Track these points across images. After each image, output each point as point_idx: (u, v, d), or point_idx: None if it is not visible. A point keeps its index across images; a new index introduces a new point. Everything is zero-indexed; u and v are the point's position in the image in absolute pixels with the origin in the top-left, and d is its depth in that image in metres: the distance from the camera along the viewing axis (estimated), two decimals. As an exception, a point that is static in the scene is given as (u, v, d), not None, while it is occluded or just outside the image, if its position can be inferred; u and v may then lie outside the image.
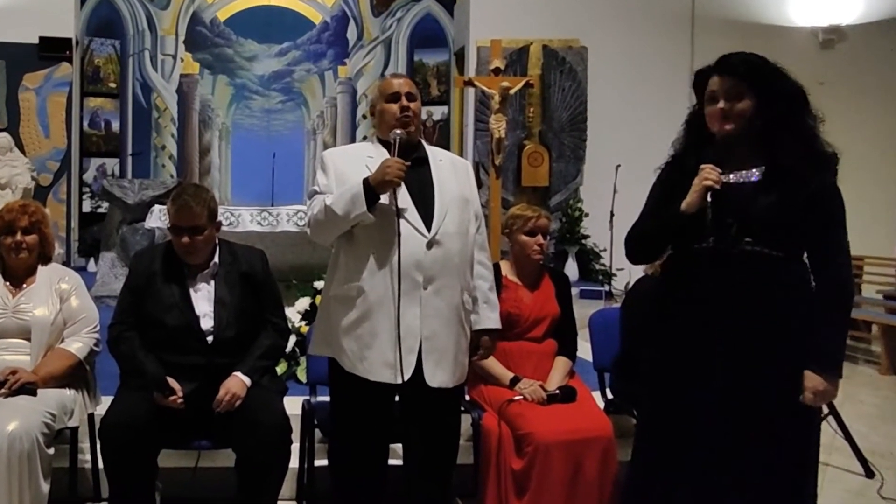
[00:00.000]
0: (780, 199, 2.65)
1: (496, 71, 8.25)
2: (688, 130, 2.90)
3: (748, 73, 2.69)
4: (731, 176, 2.74)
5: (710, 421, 2.69)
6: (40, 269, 3.66)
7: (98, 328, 3.66)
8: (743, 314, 2.67)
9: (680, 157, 2.87)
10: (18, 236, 3.57)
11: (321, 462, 3.52)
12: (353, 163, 3.13)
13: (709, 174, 2.68)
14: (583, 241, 9.91)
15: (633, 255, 2.97)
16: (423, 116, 3.22)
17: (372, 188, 2.91)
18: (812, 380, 2.63)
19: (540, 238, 3.79)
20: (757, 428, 2.66)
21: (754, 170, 2.73)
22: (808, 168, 2.64)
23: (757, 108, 2.68)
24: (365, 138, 3.19)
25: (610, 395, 4.06)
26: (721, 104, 2.70)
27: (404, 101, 3.15)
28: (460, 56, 11.35)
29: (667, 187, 2.86)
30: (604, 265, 9.61)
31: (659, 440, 2.83)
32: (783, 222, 2.65)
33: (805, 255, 2.75)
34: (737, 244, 2.68)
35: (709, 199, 2.67)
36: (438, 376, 3.03)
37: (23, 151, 10.16)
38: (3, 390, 3.28)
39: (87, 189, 11.25)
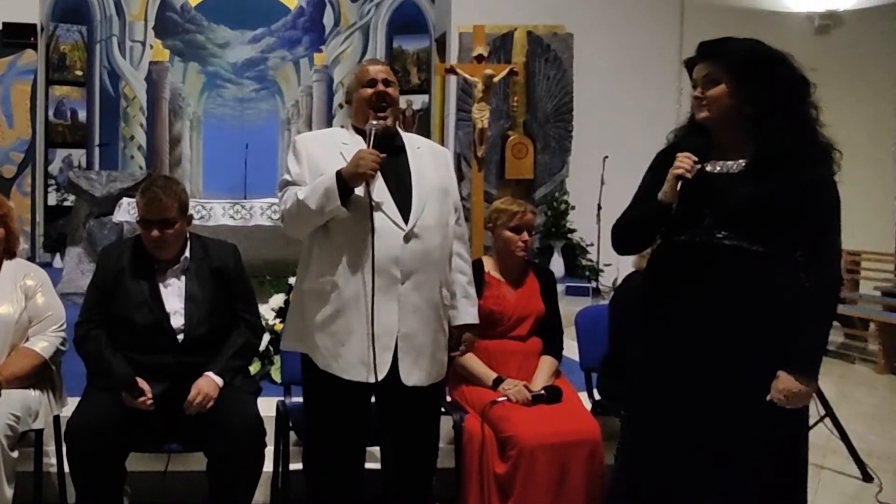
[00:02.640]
0: (760, 191, 2.58)
1: (479, 58, 8.14)
2: (690, 118, 2.84)
3: (723, 57, 2.66)
4: (713, 166, 2.70)
5: (695, 421, 2.65)
6: (5, 264, 3.56)
7: (64, 326, 3.57)
8: (720, 310, 2.63)
9: (674, 145, 2.82)
10: (-18, 231, 3.47)
11: (296, 466, 3.44)
12: (326, 149, 3.03)
13: (681, 162, 2.64)
14: (569, 236, 9.78)
15: (619, 246, 2.94)
16: (403, 105, 3.14)
17: (345, 181, 2.82)
18: (785, 381, 2.58)
19: (525, 235, 3.73)
20: (741, 428, 2.62)
21: (740, 160, 2.68)
22: (800, 159, 2.58)
23: (735, 93, 2.64)
24: (342, 128, 3.13)
25: (597, 396, 4.01)
26: (696, 91, 2.69)
27: (381, 87, 3.06)
28: (441, 42, 11.21)
29: (656, 175, 2.81)
30: (591, 261, 9.49)
31: (644, 439, 2.78)
32: (761, 215, 2.59)
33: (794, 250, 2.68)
34: (711, 237, 2.64)
35: (678, 188, 2.63)
36: (415, 375, 2.95)
37: (-15, 142, 10.00)
38: (-36, 392, 3.19)
39: (53, 181, 11.05)
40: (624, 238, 2.91)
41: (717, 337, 2.62)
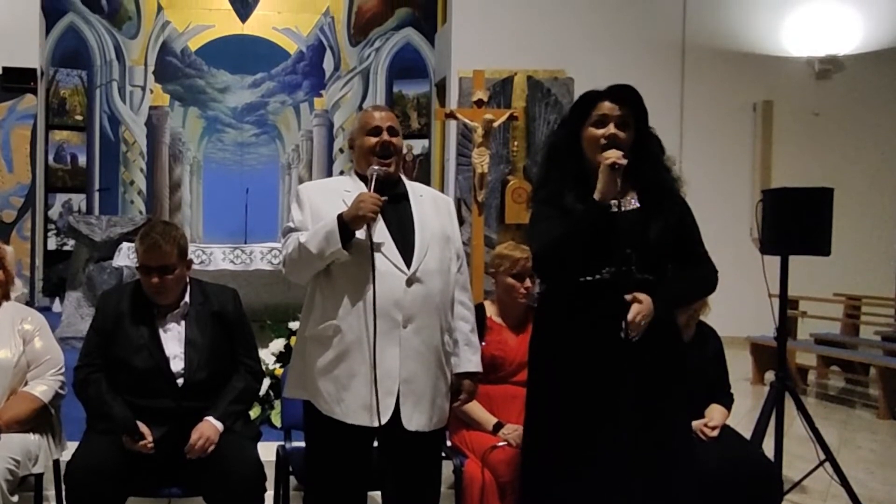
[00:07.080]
0: (665, 226, 2.75)
1: (479, 103, 8.11)
2: (558, 159, 2.92)
3: (638, 108, 2.81)
4: (612, 202, 2.76)
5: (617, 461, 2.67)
6: (1, 308, 3.55)
7: (63, 370, 3.57)
8: (646, 345, 2.70)
9: (556, 192, 2.86)
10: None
11: (296, 510, 3.42)
12: (329, 197, 3.04)
13: (611, 154, 2.69)
14: (570, 280, 9.74)
15: (555, 264, 2.86)
16: (403, 150, 3.15)
17: (346, 224, 2.84)
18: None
19: (527, 282, 3.73)
20: (664, 466, 2.72)
21: (628, 198, 2.80)
22: (673, 196, 2.81)
23: (634, 141, 2.79)
24: (342, 173, 3.16)
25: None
26: (612, 129, 2.76)
27: (385, 136, 3.07)
28: (441, 87, 11.28)
29: (558, 208, 2.83)
30: (592, 305, 9.45)
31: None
32: (670, 248, 2.76)
33: None
34: (631, 273, 2.68)
35: (617, 179, 2.67)
36: (416, 419, 2.93)
37: (-15, 187, 10.03)
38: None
39: (53, 226, 11.09)
40: (563, 255, 2.80)
41: (640, 370, 2.66)
